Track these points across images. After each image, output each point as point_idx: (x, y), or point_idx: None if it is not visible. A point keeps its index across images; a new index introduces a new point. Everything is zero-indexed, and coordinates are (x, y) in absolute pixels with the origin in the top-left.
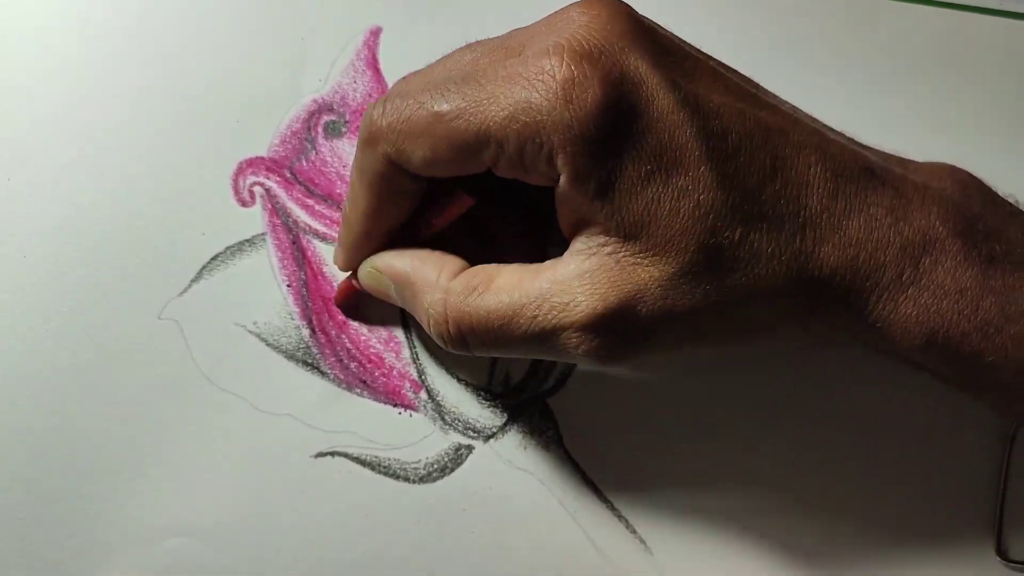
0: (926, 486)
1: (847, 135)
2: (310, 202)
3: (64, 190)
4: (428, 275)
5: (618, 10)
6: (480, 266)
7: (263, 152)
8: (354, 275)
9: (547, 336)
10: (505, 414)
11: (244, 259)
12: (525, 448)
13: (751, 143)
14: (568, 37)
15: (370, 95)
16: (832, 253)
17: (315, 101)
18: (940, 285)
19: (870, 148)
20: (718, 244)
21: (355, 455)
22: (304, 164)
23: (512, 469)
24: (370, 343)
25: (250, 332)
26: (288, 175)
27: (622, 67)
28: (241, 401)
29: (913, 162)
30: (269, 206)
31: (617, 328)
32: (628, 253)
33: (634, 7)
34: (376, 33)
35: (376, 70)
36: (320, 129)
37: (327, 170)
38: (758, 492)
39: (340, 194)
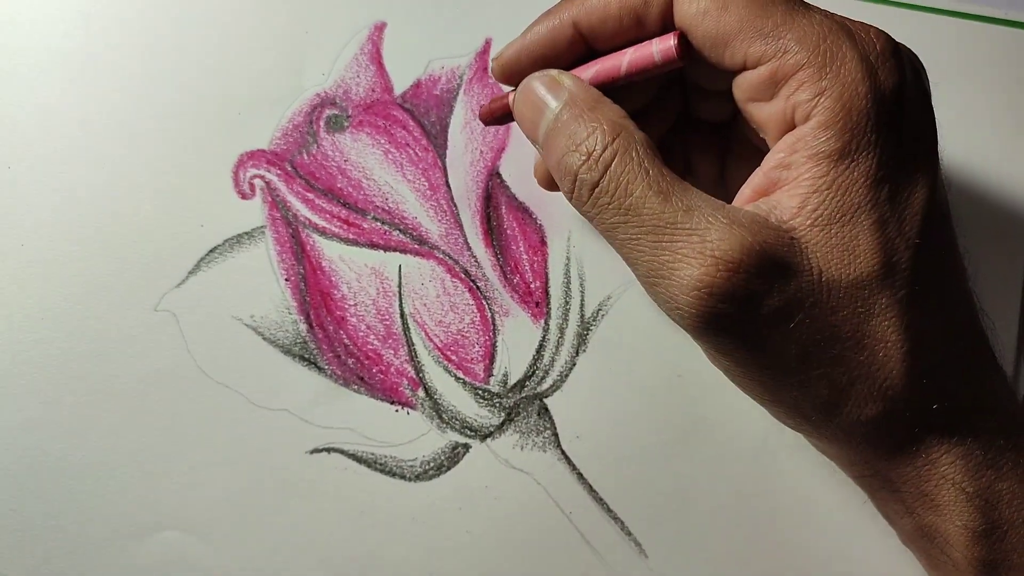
0: None
1: None
2: (310, 196)
3: (63, 180)
4: (611, 112)
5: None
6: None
7: (264, 145)
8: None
9: (670, 230)
10: (503, 413)
11: (243, 252)
12: (522, 448)
13: None
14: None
15: (372, 90)
16: (965, 471)
17: (318, 95)
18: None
19: None
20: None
21: (351, 452)
22: (305, 158)
23: (509, 469)
24: (368, 339)
25: (247, 325)
26: (289, 168)
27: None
28: (236, 395)
29: None
30: (269, 199)
31: (738, 286)
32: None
33: None
34: (380, 28)
35: (380, 65)
36: (322, 123)
37: (328, 164)
38: (755, 498)
39: (340, 188)
